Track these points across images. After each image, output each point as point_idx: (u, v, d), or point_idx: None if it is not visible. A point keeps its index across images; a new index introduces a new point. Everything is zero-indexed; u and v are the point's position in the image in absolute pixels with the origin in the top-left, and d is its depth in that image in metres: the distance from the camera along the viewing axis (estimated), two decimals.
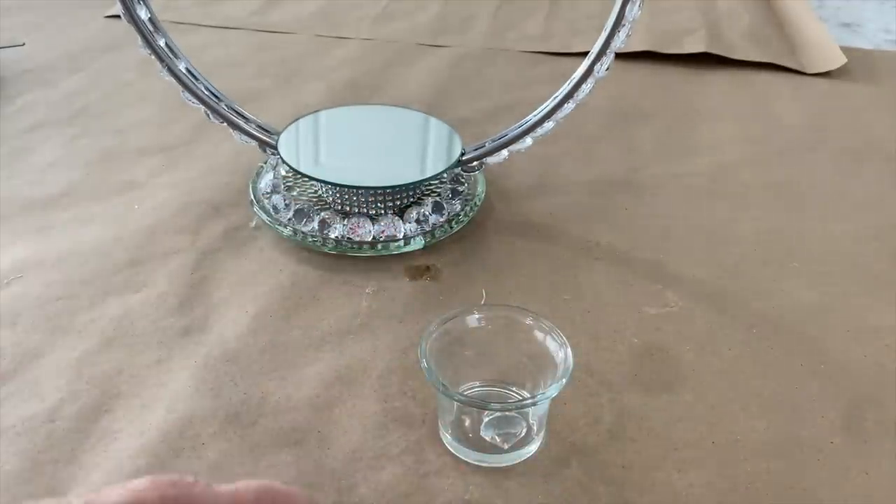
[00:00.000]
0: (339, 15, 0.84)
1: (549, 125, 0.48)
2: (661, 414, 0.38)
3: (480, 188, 0.53)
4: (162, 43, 0.48)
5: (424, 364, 0.34)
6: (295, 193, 0.51)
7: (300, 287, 0.46)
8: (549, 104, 0.48)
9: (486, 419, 0.35)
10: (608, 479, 0.35)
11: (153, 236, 0.50)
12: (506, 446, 0.35)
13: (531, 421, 0.36)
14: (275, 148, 0.51)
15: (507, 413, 0.36)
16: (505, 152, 0.50)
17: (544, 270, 0.48)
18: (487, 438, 0.35)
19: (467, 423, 0.35)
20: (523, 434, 0.35)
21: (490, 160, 0.51)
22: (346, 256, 0.48)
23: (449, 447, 0.36)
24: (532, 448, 0.36)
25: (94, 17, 0.82)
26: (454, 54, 0.76)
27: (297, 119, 0.53)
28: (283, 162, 0.50)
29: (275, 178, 0.52)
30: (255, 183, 0.53)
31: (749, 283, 0.47)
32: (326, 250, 0.48)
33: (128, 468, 0.35)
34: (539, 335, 0.37)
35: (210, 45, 0.77)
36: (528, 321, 0.37)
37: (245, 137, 0.51)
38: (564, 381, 0.34)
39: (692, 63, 0.74)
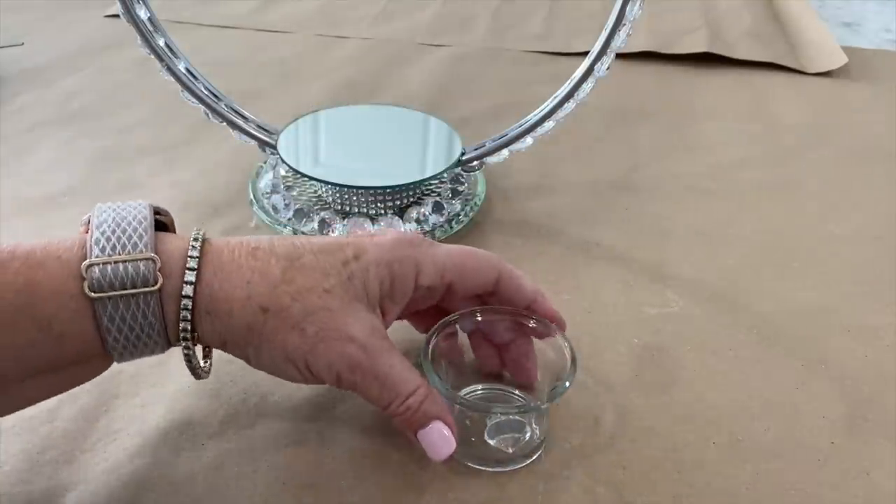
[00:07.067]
0: (339, 14, 0.84)
1: (549, 125, 0.48)
2: (661, 414, 0.38)
3: (480, 188, 0.53)
4: (161, 42, 0.48)
5: (425, 366, 0.34)
6: (295, 193, 0.51)
7: None
8: (550, 104, 0.48)
9: (488, 422, 0.35)
10: (608, 480, 0.35)
11: None
12: (509, 450, 0.35)
13: (532, 423, 0.36)
14: (274, 148, 0.50)
15: (508, 416, 0.35)
16: (505, 152, 0.50)
17: (544, 270, 0.48)
18: (489, 441, 0.35)
19: (469, 425, 0.35)
20: (525, 436, 0.35)
21: (490, 160, 0.51)
22: None
23: None
24: (533, 449, 0.36)
25: (93, 17, 0.82)
26: (454, 54, 0.76)
27: (296, 119, 0.53)
28: (283, 162, 0.50)
29: (274, 177, 0.52)
30: (254, 183, 0.53)
31: (749, 283, 0.47)
32: None
33: (127, 468, 0.35)
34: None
35: (209, 44, 0.77)
36: (529, 322, 0.37)
37: (245, 137, 0.51)
38: (567, 383, 0.34)
39: (692, 63, 0.74)
